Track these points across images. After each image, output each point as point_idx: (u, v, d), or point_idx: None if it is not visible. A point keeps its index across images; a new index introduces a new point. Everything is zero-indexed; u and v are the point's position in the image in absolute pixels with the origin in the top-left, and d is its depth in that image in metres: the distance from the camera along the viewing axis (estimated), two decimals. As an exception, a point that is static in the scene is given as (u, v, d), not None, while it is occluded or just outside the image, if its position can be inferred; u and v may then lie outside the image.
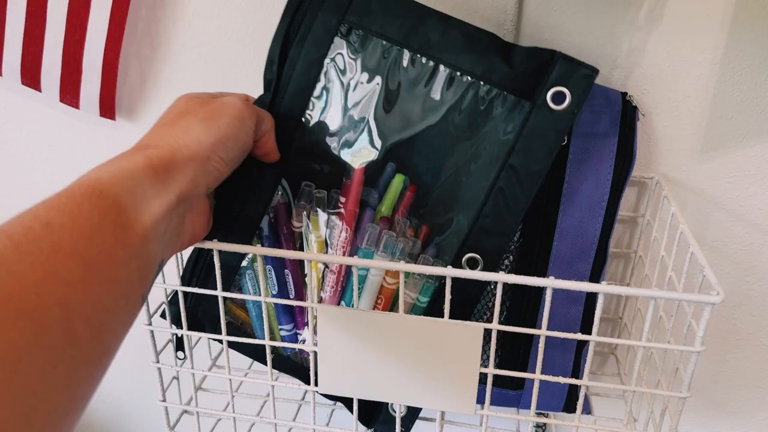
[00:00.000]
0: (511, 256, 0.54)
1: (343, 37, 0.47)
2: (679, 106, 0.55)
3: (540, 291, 0.53)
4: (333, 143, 0.49)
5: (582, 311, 0.54)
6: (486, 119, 0.46)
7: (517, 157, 0.45)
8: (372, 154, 0.48)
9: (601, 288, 0.40)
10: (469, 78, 0.46)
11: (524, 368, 0.55)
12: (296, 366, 0.54)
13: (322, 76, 0.48)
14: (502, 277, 0.42)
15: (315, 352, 0.48)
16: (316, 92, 0.48)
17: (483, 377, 0.52)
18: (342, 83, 0.48)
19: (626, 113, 0.52)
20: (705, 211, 0.59)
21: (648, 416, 0.52)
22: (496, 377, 0.56)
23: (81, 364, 0.27)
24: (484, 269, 0.47)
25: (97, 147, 0.67)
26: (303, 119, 0.48)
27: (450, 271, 0.42)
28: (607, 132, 0.52)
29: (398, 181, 0.48)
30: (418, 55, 0.46)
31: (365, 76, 0.47)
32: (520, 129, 0.45)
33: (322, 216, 0.49)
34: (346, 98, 0.48)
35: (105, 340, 0.29)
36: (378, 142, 0.48)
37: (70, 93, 0.61)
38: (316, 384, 0.49)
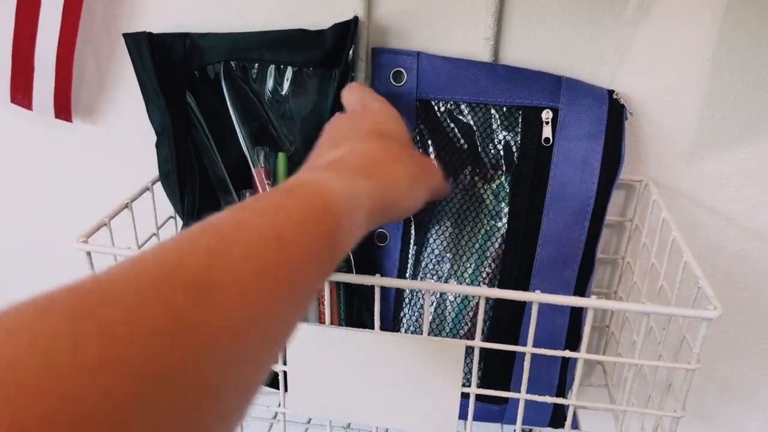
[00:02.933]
0: (492, 264, 0.51)
1: (192, 86, 0.53)
2: (669, 105, 0.52)
3: (522, 302, 0.50)
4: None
5: (568, 321, 0.51)
6: (322, 96, 0.51)
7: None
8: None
9: (590, 303, 0.38)
10: (291, 67, 0.51)
11: (508, 379, 0.53)
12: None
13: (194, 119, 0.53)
14: (484, 291, 0.39)
15: (284, 372, 0.44)
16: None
17: (465, 393, 0.49)
18: (209, 116, 0.53)
19: (613, 112, 0.49)
20: (694, 214, 0.56)
21: (639, 432, 0.49)
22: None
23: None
24: None
25: (54, 151, 0.63)
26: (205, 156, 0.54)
27: (429, 285, 0.39)
28: (593, 132, 0.49)
29: (282, 159, 0.53)
30: (245, 63, 0.52)
31: (217, 100, 0.53)
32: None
33: None
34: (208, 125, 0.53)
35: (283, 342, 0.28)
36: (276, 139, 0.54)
37: (21, 93, 0.57)
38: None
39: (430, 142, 0.51)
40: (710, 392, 0.64)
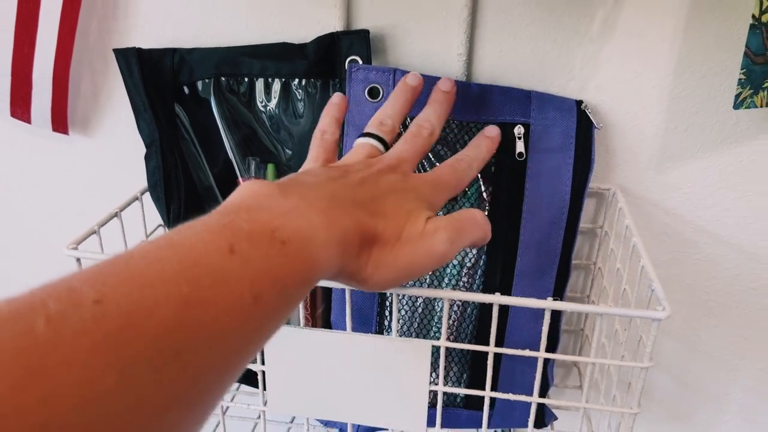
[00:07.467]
0: (474, 275, 0.53)
1: (181, 99, 0.55)
2: (635, 117, 0.55)
3: (506, 309, 0.52)
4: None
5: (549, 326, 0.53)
6: (312, 106, 0.54)
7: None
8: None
9: (546, 304, 0.40)
10: (279, 79, 0.54)
11: (494, 387, 0.55)
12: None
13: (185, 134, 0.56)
14: (448, 294, 0.41)
15: (263, 372, 0.47)
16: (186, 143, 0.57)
17: (452, 400, 0.51)
18: (202, 130, 0.56)
19: (582, 123, 0.51)
20: (663, 222, 0.58)
21: (607, 430, 0.51)
22: (466, 399, 0.55)
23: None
24: None
25: (52, 162, 0.66)
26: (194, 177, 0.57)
27: (402, 290, 0.41)
28: (564, 144, 0.51)
29: (271, 170, 0.56)
30: (234, 77, 0.55)
31: (205, 112, 0.55)
32: None
33: None
34: (200, 139, 0.56)
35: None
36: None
37: (21, 107, 0.60)
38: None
39: None
40: (684, 394, 0.66)
